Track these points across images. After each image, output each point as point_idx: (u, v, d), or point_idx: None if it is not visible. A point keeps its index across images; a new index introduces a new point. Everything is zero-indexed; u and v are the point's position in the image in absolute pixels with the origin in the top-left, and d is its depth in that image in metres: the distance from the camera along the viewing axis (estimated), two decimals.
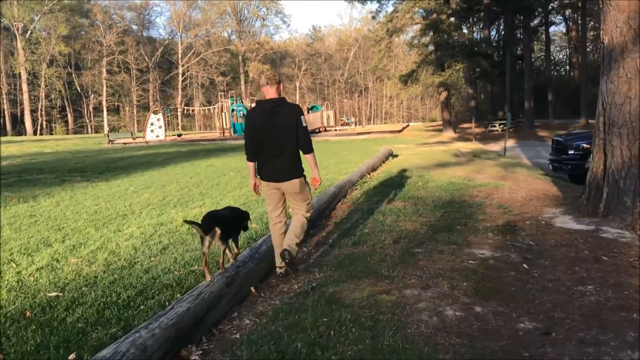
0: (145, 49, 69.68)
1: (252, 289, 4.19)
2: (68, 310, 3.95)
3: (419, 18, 30.31)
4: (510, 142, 27.16)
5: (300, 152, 4.41)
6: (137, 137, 28.21)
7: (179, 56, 72.19)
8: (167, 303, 3.91)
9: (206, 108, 48.84)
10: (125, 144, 27.68)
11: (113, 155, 20.03)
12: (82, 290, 4.41)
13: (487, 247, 5.13)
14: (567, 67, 64.72)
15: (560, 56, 69.29)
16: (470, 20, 42.33)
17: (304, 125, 4.30)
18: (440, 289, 3.99)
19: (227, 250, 4.05)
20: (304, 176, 4.48)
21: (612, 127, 5.97)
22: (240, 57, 75.15)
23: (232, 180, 11.20)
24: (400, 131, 33.47)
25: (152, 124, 31.18)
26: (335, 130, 35.14)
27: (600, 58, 6.32)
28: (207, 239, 3.83)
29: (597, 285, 4.02)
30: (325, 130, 34.73)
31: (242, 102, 37.77)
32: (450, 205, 7.15)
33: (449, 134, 30.56)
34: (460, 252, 4.93)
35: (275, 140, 4.26)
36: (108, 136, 29.36)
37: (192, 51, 72.28)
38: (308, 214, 4.59)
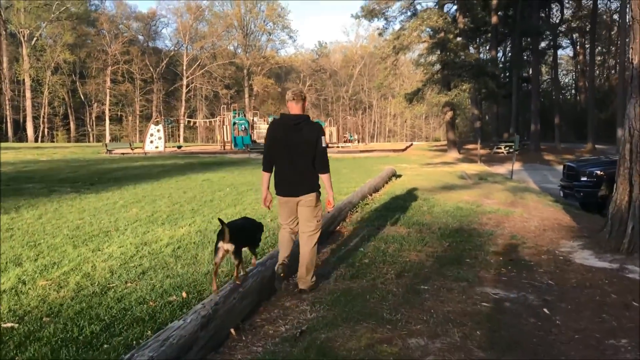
0: (150, 60, 69.60)
1: (233, 330, 3.63)
2: (19, 348, 3.41)
3: (426, 37, 30.01)
4: (517, 165, 26.60)
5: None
6: (136, 148, 27.71)
7: (184, 68, 72.21)
8: (134, 342, 3.38)
9: (208, 120, 48.31)
10: (123, 154, 27.23)
11: (108, 166, 19.53)
12: (42, 321, 3.86)
13: (502, 285, 4.58)
14: (573, 91, 64.50)
15: (567, 80, 69.13)
16: (478, 40, 42.09)
17: (324, 145, 4.39)
18: (451, 338, 3.43)
19: (240, 265, 4.04)
20: (319, 192, 4.50)
21: (639, 155, 5.45)
22: (245, 71, 75.10)
23: (227, 197, 10.67)
24: (403, 150, 33.05)
25: (151, 135, 30.74)
26: (338, 147, 34.68)
27: (629, 79, 5.82)
28: (223, 250, 3.82)
29: (631, 340, 3.47)
30: (328, 147, 34.14)
31: (244, 115, 37.46)
32: (458, 233, 6.61)
33: (454, 154, 30.07)
34: (472, 291, 4.37)
35: (295, 156, 4.32)
36: (106, 146, 28.89)
37: (197, 63, 72.23)
38: (316, 235, 4.52)
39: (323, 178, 4.46)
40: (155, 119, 31.53)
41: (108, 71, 66.51)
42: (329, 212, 5.42)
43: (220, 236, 3.86)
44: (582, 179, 10.60)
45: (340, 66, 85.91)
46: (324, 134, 4.43)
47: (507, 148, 32.37)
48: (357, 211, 8.47)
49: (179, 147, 33.79)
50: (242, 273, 4.17)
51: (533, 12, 34.83)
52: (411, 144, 41.90)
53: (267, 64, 77.08)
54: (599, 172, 10.38)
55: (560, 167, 26.34)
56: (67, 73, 63.10)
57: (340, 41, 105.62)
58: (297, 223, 4.52)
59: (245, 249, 4.22)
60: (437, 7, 29.38)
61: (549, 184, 18.12)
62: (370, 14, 30.90)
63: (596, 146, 35.50)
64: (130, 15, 73.09)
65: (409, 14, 30.68)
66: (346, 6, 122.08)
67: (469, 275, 4.78)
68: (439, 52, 29.11)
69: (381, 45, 32.38)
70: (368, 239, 6.37)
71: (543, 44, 40.90)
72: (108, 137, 63.26)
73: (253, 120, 36.75)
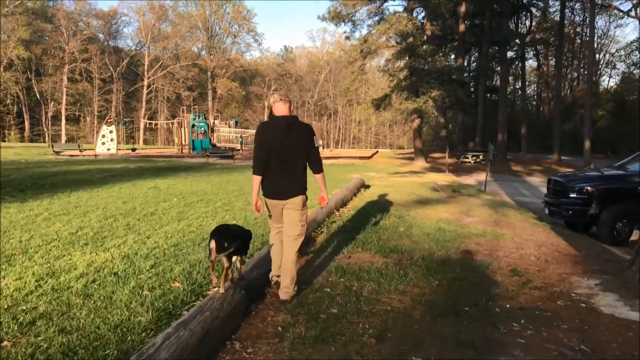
0: (110, 59, 67.00)
1: None
2: None
3: (394, 42, 29.07)
4: (484, 176, 25.88)
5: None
6: (87, 150, 25.71)
7: (145, 68, 69.78)
8: None
9: (164, 122, 46.30)
10: (72, 156, 25.27)
11: (49, 169, 17.70)
12: None
13: (521, 354, 3.32)
14: (534, 102, 64.83)
15: (529, 91, 69.55)
16: (444, 49, 41.47)
17: (317, 145, 4.40)
18: None
19: (229, 270, 3.94)
20: (306, 195, 4.44)
21: None
22: (209, 73, 73.33)
23: (172, 210, 9.21)
24: (369, 157, 31.95)
25: (103, 136, 28.69)
26: None
27: None
28: (214, 252, 3.75)
29: None
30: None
31: (205, 118, 35.76)
32: (447, 266, 5.35)
33: (421, 163, 29.13)
34: None
35: (287, 157, 4.28)
36: (52, 147, 26.75)
37: (159, 64, 69.96)
38: (300, 239, 4.45)
39: (317, 177, 4.46)
40: (108, 119, 29.53)
41: (65, 69, 63.55)
42: (322, 208, 5.23)
43: (213, 236, 3.81)
44: (571, 195, 9.55)
45: (306, 71, 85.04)
46: (315, 134, 4.41)
47: (474, 158, 31.72)
48: (322, 231, 7.16)
49: (134, 149, 31.81)
50: (230, 277, 4.03)
51: (503, 22, 34.34)
52: (377, 151, 40.84)
53: (231, 67, 75.51)
54: (589, 188, 9.36)
55: (530, 179, 26.01)
56: (22, 70, 60.03)
57: (306, 46, 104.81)
58: None
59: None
60: (405, 12, 28.41)
61: (522, 197, 17.24)
62: (337, 17, 29.67)
63: (562, 157, 35.21)
64: (90, 13, 70.25)
65: (376, 18, 29.66)
66: (312, 11, 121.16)
67: (474, 337, 3.50)
68: (407, 58, 28.11)
69: (348, 49, 31.23)
70: (336, 272, 5.05)
71: (510, 54, 40.52)
72: (64, 138, 60.49)
73: (214, 123, 35.08)
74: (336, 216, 8.41)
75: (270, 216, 4.61)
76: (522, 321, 3.88)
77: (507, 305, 4.23)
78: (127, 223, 7.89)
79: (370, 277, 4.87)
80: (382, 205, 9.59)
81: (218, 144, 32.03)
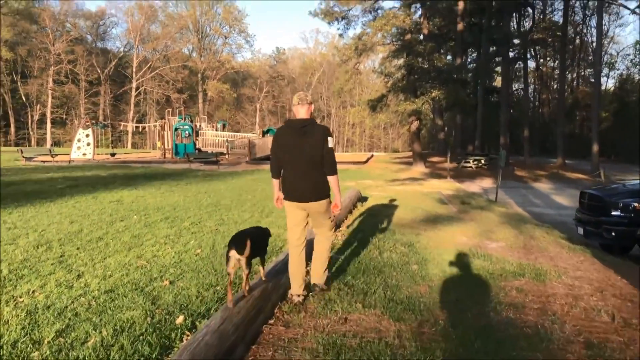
0: (98, 60, 65.11)
1: None
2: None
3: (391, 40, 27.40)
4: (488, 182, 24.18)
5: None
6: (57, 155, 23.72)
7: (134, 70, 67.89)
8: None
9: (145, 125, 44.29)
10: (44, 162, 23.36)
11: (8, 178, 15.84)
12: None
13: None
14: (534, 104, 63.33)
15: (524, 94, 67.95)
16: (441, 49, 39.79)
17: (330, 146, 4.26)
18: None
19: (248, 277, 3.88)
20: (330, 196, 4.37)
21: None
22: (199, 75, 71.79)
23: (126, 232, 7.41)
24: (365, 162, 30.15)
25: (79, 141, 26.66)
26: None
27: None
28: (234, 259, 3.73)
29: None
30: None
31: (191, 120, 33.82)
32: (490, 339, 3.57)
33: (420, 168, 27.38)
34: None
35: (304, 160, 4.23)
36: (22, 152, 24.74)
37: (148, 65, 68.10)
38: (331, 233, 4.54)
39: (330, 180, 4.32)
40: (85, 122, 27.58)
41: (50, 71, 61.55)
42: (334, 215, 4.65)
43: (232, 244, 3.74)
44: (613, 213, 7.83)
45: (299, 73, 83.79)
46: (331, 135, 4.31)
47: (476, 162, 30.02)
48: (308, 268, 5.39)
49: (113, 154, 29.83)
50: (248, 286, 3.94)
51: (504, 18, 32.64)
52: (372, 156, 38.98)
53: (222, 69, 74.00)
54: (637, 205, 7.65)
55: (537, 185, 24.22)
56: (7, 72, 57.98)
57: (299, 47, 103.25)
58: (304, 233, 4.44)
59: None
60: (402, 7, 26.64)
61: (534, 207, 15.54)
62: (329, 14, 27.91)
63: (567, 161, 33.61)
64: (77, 13, 68.31)
65: (371, 16, 27.86)
66: (305, 11, 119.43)
67: None
68: (405, 56, 26.35)
69: (342, 48, 29.45)
70: (326, 354, 3.28)
71: (511, 54, 38.80)
72: (49, 142, 58.51)
73: (200, 126, 33.15)
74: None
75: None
76: None
77: None
78: (61, 253, 6.14)
79: None
80: (384, 227, 7.81)
81: (204, 149, 30.16)
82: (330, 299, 4.21)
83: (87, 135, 26.70)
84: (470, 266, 5.54)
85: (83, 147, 26.61)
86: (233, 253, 3.70)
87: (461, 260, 5.77)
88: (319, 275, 4.44)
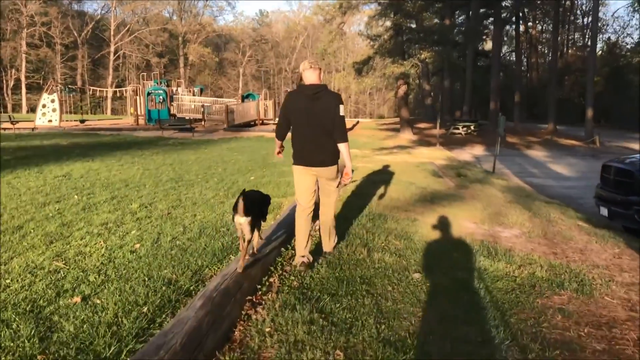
0: (74, 23, 62.05)
1: None
2: None
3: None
4: (480, 149, 22.97)
5: None
6: (17, 122, 21.83)
7: (112, 33, 64.97)
8: None
9: (123, 90, 42.10)
10: (4, 129, 21.55)
11: None
12: None
13: None
14: (522, 68, 61.85)
15: (511, 58, 66.49)
16: (429, 11, 37.93)
17: (342, 114, 4.20)
18: None
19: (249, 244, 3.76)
20: (338, 164, 4.31)
21: None
22: (180, 39, 69.07)
23: (57, 218, 5.95)
24: (350, 129, 28.66)
25: (44, 106, 24.68)
26: (274, 124, 29.82)
27: None
28: (238, 224, 3.63)
29: None
30: (262, 124, 29.36)
31: (167, 84, 31.85)
32: None
33: (407, 135, 25.99)
34: None
35: (315, 125, 4.17)
36: None
37: (127, 28, 65.26)
38: (336, 200, 4.54)
39: (341, 147, 4.21)
40: (49, 85, 25.58)
41: (23, 34, 58.50)
42: (345, 184, 4.67)
43: (235, 209, 3.62)
44: None
45: (283, 37, 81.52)
46: (342, 102, 4.24)
47: (465, 129, 28.71)
48: (269, 283, 3.98)
49: (82, 121, 27.89)
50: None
51: None
52: (357, 122, 37.41)
53: (203, 32, 71.38)
54: None
55: (531, 153, 22.90)
56: None
57: (282, 10, 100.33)
58: (314, 198, 4.37)
59: None
60: None
61: (533, 177, 14.34)
62: None
63: (558, 127, 32.43)
64: None
65: None
66: None
67: None
68: (392, 16, 24.60)
69: (326, 6, 27.59)
70: None
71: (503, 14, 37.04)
72: (25, 108, 56.05)
73: (176, 90, 31.23)
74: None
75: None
76: None
77: None
78: None
79: None
80: (372, 211, 6.42)
81: (180, 115, 28.37)
82: (298, 340, 2.81)
83: (53, 101, 24.74)
84: (490, 271, 4.18)
85: (48, 113, 24.67)
86: (237, 218, 3.61)
87: (476, 262, 4.40)
88: (329, 243, 4.55)
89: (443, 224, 5.85)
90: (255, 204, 3.86)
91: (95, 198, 7.30)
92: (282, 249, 4.61)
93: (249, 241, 3.72)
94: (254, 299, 3.44)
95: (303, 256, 4.20)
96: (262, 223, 4.29)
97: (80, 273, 4.17)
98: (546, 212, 7.35)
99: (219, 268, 4.29)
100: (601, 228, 6.88)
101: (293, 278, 3.88)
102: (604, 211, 7.17)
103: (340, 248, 4.71)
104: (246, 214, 3.57)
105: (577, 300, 3.65)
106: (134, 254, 4.73)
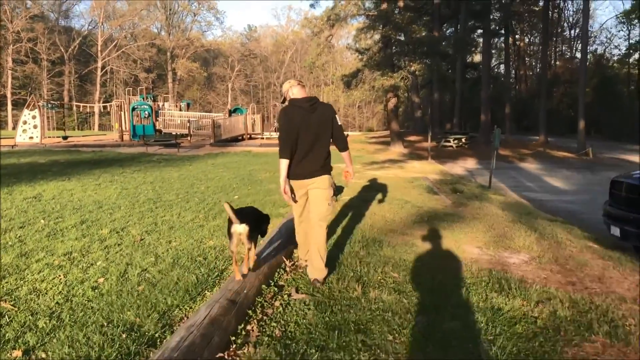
0: (61, 39, 61.42)
1: None
2: None
3: (365, 12, 25.22)
4: (472, 163, 22.52)
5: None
6: (2, 139, 21.05)
7: (99, 48, 64.35)
8: None
9: (107, 105, 41.36)
10: None
11: None
12: None
13: None
14: (511, 80, 61.88)
15: (501, 69, 66.57)
16: (417, 23, 37.70)
17: (339, 123, 4.29)
18: None
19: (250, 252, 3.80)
20: (331, 174, 4.35)
21: None
22: (168, 54, 68.72)
23: (15, 247, 5.31)
24: None
25: (25, 123, 23.96)
26: (262, 138, 29.20)
27: None
28: (236, 234, 3.61)
29: None
30: (250, 138, 28.75)
31: (153, 99, 31.25)
32: None
33: (398, 148, 25.50)
34: None
35: (312, 137, 4.15)
36: None
37: (114, 44, 64.73)
38: (328, 218, 4.44)
39: (344, 155, 4.40)
40: (30, 101, 24.88)
41: (9, 50, 57.77)
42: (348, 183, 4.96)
43: (232, 221, 3.61)
44: None
45: (271, 52, 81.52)
46: (336, 113, 4.29)
47: (456, 141, 28.30)
48: (254, 316, 3.39)
49: (65, 137, 27.17)
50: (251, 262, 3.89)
51: None
52: (347, 135, 36.82)
53: (192, 47, 71.06)
54: None
55: (525, 166, 22.39)
56: None
57: (270, 25, 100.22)
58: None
59: None
60: None
61: (530, 192, 13.84)
62: None
63: (549, 139, 32.19)
64: None
65: None
66: None
67: None
68: (381, 28, 24.23)
69: (314, 19, 27.16)
70: None
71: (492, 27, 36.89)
72: (10, 124, 55.15)
73: (162, 105, 30.61)
74: (287, 267, 4.62)
75: (294, 199, 4.28)
76: None
77: None
78: None
79: None
80: (365, 234, 5.84)
81: (167, 130, 27.73)
82: None
83: (34, 117, 24.02)
84: (505, 310, 3.60)
85: (29, 129, 23.92)
86: (234, 228, 3.59)
87: (488, 300, 3.81)
88: (321, 269, 4.17)
89: (445, 251, 5.27)
90: (251, 216, 3.85)
91: (64, 222, 6.67)
92: (263, 285, 4.00)
93: (249, 250, 3.74)
94: (226, 356, 2.83)
95: (305, 260, 4.37)
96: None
97: (29, 317, 3.57)
98: (552, 232, 6.81)
99: (191, 308, 3.72)
100: (612, 249, 6.36)
101: (275, 325, 3.27)
102: (616, 231, 6.64)
103: (331, 283, 4.13)
104: (242, 221, 3.57)
105: (612, 348, 3.08)
106: (96, 290, 4.13)
